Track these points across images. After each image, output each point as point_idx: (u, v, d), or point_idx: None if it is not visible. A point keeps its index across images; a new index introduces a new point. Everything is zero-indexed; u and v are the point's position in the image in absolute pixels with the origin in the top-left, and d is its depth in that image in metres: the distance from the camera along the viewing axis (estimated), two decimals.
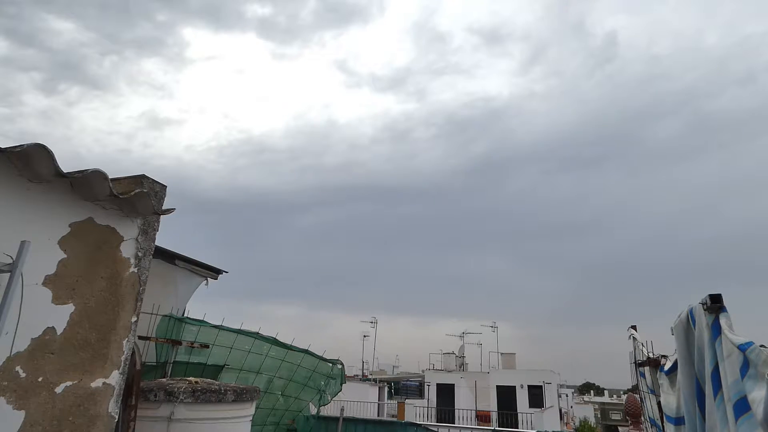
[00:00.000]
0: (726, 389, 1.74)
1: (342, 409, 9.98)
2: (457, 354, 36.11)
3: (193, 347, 6.61)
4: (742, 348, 1.62)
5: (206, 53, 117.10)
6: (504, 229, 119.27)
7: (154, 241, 3.39)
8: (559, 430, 22.12)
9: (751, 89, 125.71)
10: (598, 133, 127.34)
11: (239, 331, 7.21)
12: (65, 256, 2.75)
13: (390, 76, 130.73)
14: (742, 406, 1.58)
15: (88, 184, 2.76)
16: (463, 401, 28.83)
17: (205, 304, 7.79)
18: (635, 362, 4.35)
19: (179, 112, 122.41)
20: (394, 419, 21.12)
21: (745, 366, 1.59)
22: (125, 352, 3.08)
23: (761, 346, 1.57)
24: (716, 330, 1.94)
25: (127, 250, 3.16)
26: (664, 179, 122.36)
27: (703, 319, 2.08)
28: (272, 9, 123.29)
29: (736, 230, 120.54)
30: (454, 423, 23.62)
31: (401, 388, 36.10)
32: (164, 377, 5.85)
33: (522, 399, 28.02)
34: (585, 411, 39.16)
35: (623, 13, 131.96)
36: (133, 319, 3.16)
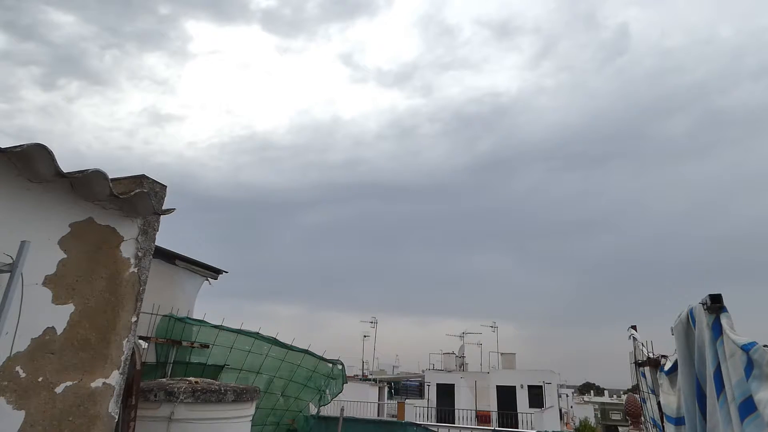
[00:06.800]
0: (729, 390, 1.74)
1: (342, 409, 9.97)
2: (457, 354, 36.07)
3: (193, 347, 6.61)
4: (746, 348, 1.61)
5: (209, 47, 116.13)
6: (506, 228, 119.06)
7: (154, 241, 3.39)
8: (559, 430, 22.12)
9: (764, 83, 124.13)
10: (607, 130, 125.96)
11: (239, 331, 7.21)
12: (65, 256, 2.75)
13: (396, 71, 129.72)
14: (748, 407, 1.58)
15: (88, 184, 2.76)
16: (463, 401, 28.82)
17: (205, 304, 7.79)
18: (635, 362, 4.35)
19: (181, 108, 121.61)
20: (394, 419, 21.11)
21: (750, 366, 1.59)
22: (125, 352, 3.08)
23: (765, 346, 1.57)
24: (717, 330, 1.93)
25: (127, 250, 3.16)
26: (672, 177, 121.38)
27: (703, 319, 2.07)
28: (277, 1, 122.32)
29: (743, 229, 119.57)
30: (454, 423, 23.62)
31: (401, 388, 36.09)
32: (164, 377, 5.85)
33: (522, 399, 28.01)
34: (585, 411, 39.16)
35: (635, 5, 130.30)
36: (133, 319, 3.16)
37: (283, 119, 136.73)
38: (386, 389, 30.89)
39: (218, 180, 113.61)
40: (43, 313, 2.61)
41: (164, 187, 3.41)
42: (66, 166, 2.58)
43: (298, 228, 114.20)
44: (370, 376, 33.12)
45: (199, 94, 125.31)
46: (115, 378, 2.99)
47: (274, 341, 7.70)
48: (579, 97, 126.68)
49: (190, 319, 6.80)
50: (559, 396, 28.68)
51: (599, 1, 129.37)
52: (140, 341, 3.91)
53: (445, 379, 31.00)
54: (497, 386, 29.12)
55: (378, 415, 24.39)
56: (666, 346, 3.62)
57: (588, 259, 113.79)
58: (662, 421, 3.37)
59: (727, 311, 1.93)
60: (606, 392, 60.90)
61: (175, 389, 4.00)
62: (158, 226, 3.41)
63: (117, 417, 3.01)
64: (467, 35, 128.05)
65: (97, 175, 2.67)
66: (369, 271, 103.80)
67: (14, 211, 2.54)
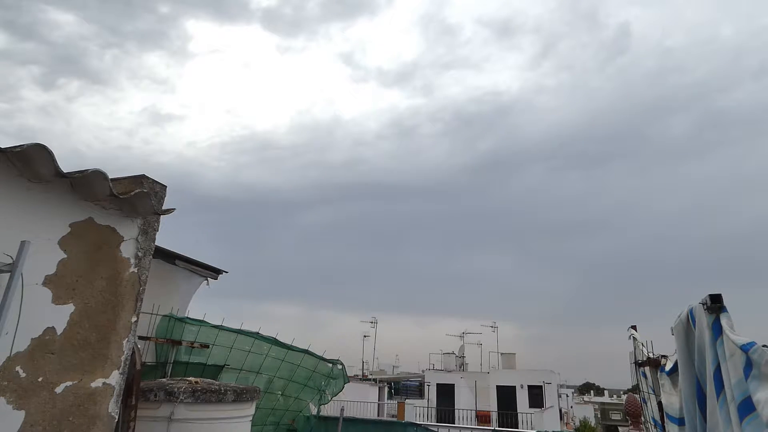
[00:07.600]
0: (729, 389, 1.74)
1: (342, 409, 9.97)
2: (457, 354, 36.08)
3: (193, 347, 6.61)
4: (745, 348, 1.61)
5: (209, 47, 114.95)
6: (506, 228, 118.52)
7: (154, 241, 3.39)
8: (559, 430, 22.13)
9: (765, 83, 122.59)
10: (607, 130, 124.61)
11: (239, 331, 7.22)
12: (65, 256, 2.75)
13: (397, 70, 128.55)
14: (747, 407, 1.58)
15: (88, 184, 2.76)
16: (463, 401, 28.83)
17: (205, 304, 7.80)
18: (635, 362, 4.35)
19: (181, 108, 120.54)
20: (394, 419, 21.14)
21: (749, 366, 1.59)
22: (125, 352, 3.08)
23: (764, 346, 1.57)
24: (717, 330, 1.93)
25: (127, 250, 3.16)
26: (672, 177, 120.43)
27: (703, 320, 2.07)
28: (278, 0, 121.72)
29: (743, 229, 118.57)
30: (454, 423, 23.62)
31: (401, 388, 36.12)
32: (164, 377, 5.85)
33: (522, 399, 28.01)
34: (585, 411, 39.17)
35: (636, 5, 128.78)
36: (133, 319, 3.16)
37: (283, 119, 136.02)
38: (386, 389, 30.90)
39: (218, 180, 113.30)
40: (43, 313, 2.61)
41: (164, 187, 3.41)
42: (66, 165, 2.59)
43: (298, 228, 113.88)
44: (370, 376, 33.13)
45: (199, 94, 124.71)
46: (115, 378, 2.99)
47: (274, 341, 7.71)
48: (579, 96, 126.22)
49: (190, 319, 6.80)
50: (559, 396, 28.69)
51: (600, 0, 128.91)
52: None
53: (445, 379, 31.00)
54: (497, 386, 29.12)
55: (378, 415, 24.40)
56: (666, 346, 3.62)
57: (588, 259, 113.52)
58: (663, 421, 3.37)
59: (727, 311, 1.93)
60: (606, 392, 60.94)
61: (175, 389, 4.00)
62: (158, 226, 3.41)
63: (117, 417, 3.01)
64: (468, 35, 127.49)
65: (97, 175, 2.67)
66: (369, 271, 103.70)
67: (14, 211, 2.55)
